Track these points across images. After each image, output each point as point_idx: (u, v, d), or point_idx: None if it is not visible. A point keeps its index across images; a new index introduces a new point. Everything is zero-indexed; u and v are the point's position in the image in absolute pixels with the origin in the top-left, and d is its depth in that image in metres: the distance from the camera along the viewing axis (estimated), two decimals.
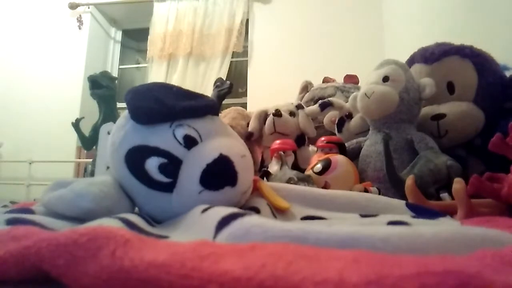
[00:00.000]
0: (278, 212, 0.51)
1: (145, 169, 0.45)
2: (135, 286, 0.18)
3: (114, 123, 0.53)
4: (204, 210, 0.38)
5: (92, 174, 1.45)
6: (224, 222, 0.31)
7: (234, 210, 0.33)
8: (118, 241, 0.21)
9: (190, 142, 0.46)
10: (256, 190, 0.54)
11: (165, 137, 0.46)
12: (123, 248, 0.20)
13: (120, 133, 0.47)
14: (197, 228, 0.36)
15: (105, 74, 1.58)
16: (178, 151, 0.45)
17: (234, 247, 0.21)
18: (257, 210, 0.47)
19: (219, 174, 0.45)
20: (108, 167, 0.50)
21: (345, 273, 0.16)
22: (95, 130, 1.55)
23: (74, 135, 1.69)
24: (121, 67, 3.05)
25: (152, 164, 0.45)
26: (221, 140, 0.48)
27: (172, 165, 0.45)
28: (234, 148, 0.48)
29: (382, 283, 0.15)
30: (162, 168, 0.45)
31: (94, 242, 0.21)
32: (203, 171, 0.44)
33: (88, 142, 1.59)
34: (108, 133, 0.59)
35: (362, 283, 0.15)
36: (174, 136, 0.46)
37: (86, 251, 0.21)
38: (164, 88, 0.49)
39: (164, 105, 0.46)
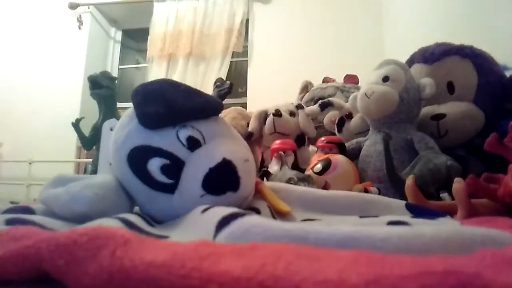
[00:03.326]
0: (278, 215, 0.51)
1: (147, 169, 0.45)
2: (135, 286, 0.18)
3: (118, 120, 0.52)
4: (204, 210, 0.38)
5: (93, 174, 1.45)
6: (224, 222, 0.31)
7: (234, 210, 0.33)
8: (118, 241, 0.21)
9: (193, 144, 0.46)
10: (258, 193, 0.53)
11: (169, 138, 0.45)
12: (123, 248, 0.20)
13: (123, 131, 0.47)
14: (197, 228, 0.36)
15: (105, 74, 1.58)
16: (181, 153, 0.45)
17: (234, 247, 0.21)
18: (257, 211, 0.47)
19: (221, 179, 0.44)
20: (111, 163, 0.50)
21: (345, 273, 0.16)
22: (95, 130, 1.55)
23: (74, 135, 1.69)
24: (121, 67, 3.06)
25: (155, 165, 0.44)
26: (224, 143, 0.48)
27: (174, 167, 0.45)
28: (238, 152, 0.47)
29: (382, 283, 0.15)
30: (164, 169, 0.44)
31: (94, 242, 0.21)
32: (206, 175, 0.43)
33: (88, 142, 1.59)
34: (111, 129, 0.59)
35: (361, 283, 0.15)
36: (178, 137, 0.46)
37: (86, 251, 0.21)
38: (173, 87, 0.49)
39: (172, 109, 0.46)
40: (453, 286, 0.15)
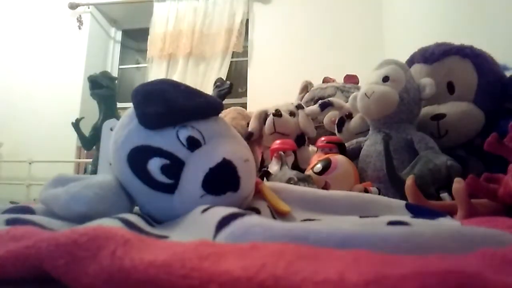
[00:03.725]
0: (278, 215, 0.51)
1: (147, 169, 0.44)
2: (135, 286, 0.18)
3: (118, 120, 0.52)
4: (204, 210, 0.38)
5: (93, 173, 1.45)
6: (224, 222, 0.31)
7: (234, 210, 0.33)
8: (118, 241, 0.21)
9: (193, 144, 0.46)
10: (258, 193, 0.53)
11: (169, 138, 0.45)
12: (123, 248, 0.20)
13: (123, 132, 0.47)
14: (197, 228, 0.36)
15: (105, 74, 1.58)
16: (181, 153, 0.45)
17: (234, 247, 0.21)
18: (257, 211, 0.47)
19: (221, 179, 0.44)
20: (111, 163, 0.50)
21: (345, 273, 0.16)
22: (95, 130, 1.55)
23: (74, 135, 1.69)
24: (121, 67, 3.06)
25: (155, 165, 0.44)
26: (224, 143, 0.48)
27: (174, 167, 0.45)
28: (238, 152, 0.47)
29: (382, 283, 0.15)
30: (164, 169, 0.44)
31: (94, 242, 0.21)
32: (206, 175, 0.43)
33: (88, 142, 1.59)
34: (111, 129, 0.59)
35: (362, 283, 0.15)
36: (178, 138, 0.46)
37: (86, 251, 0.21)
38: (173, 87, 0.49)
39: (172, 109, 0.46)
40: (453, 286, 0.15)
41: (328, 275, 0.16)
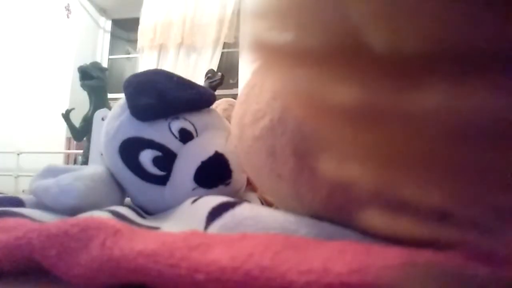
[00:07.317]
0: (268, 206, 0.51)
1: (139, 161, 0.45)
2: (125, 275, 0.19)
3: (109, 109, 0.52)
4: (194, 201, 0.38)
5: (84, 164, 1.44)
6: (215, 213, 0.31)
7: (224, 199, 0.33)
8: (108, 231, 0.21)
9: (185, 136, 0.46)
10: (249, 184, 0.54)
11: (161, 130, 0.46)
12: (113, 238, 0.20)
13: (115, 123, 0.47)
14: (188, 218, 0.36)
15: (95, 65, 1.57)
16: (173, 145, 0.45)
17: (224, 237, 0.21)
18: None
19: (213, 172, 0.45)
20: (102, 154, 0.50)
21: (330, 262, 0.16)
22: (86, 121, 1.54)
23: (63, 126, 1.68)
24: (110, 57, 3.02)
25: (147, 157, 0.44)
26: (217, 135, 0.48)
27: (166, 159, 0.45)
28: (230, 145, 0.48)
29: (366, 272, 0.16)
30: (156, 161, 0.45)
31: (85, 233, 0.21)
32: (198, 168, 0.44)
33: (79, 133, 1.58)
34: (102, 119, 0.58)
35: (345, 272, 0.16)
36: (170, 129, 0.46)
37: (77, 242, 0.21)
38: (165, 78, 0.48)
39: (164, 101, 0.46)
40: (436, 277, 0.15)
41: (314, 265, 0.16)
